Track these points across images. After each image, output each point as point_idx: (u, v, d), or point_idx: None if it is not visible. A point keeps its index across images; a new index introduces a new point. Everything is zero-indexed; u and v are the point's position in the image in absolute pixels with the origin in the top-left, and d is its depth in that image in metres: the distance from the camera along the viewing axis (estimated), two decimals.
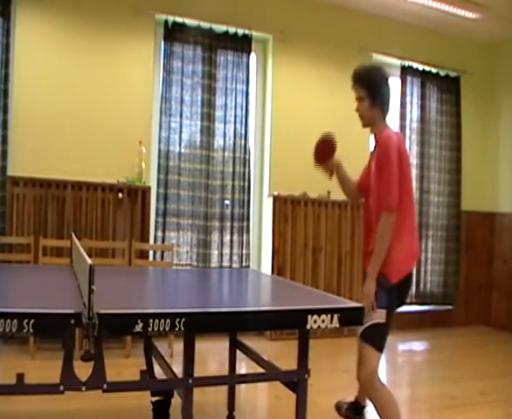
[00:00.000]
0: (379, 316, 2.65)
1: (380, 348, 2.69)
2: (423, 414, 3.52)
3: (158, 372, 2.73)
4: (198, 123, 5.27)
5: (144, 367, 2.87)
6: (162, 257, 5.07)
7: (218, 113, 5.34)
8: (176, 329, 1.85)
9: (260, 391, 3.92)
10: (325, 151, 2.99)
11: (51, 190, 4.64)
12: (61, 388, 1.85)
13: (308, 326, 2.07)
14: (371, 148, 2.99)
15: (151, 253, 5.10)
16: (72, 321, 1.78)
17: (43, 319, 1.76)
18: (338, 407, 3.22)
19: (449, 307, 6.44)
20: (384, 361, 4.87)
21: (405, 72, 6.16)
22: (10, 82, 4.62)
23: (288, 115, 5.65)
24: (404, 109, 6.15)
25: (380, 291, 2.66)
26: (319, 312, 2.09)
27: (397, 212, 2.64)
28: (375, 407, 2.73)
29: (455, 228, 6.44)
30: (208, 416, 3.27)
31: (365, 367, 2.69)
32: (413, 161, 6.18)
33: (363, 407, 3.21)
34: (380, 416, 2.71)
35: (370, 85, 2.76)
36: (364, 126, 2.89)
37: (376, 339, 2.66)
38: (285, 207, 5.45)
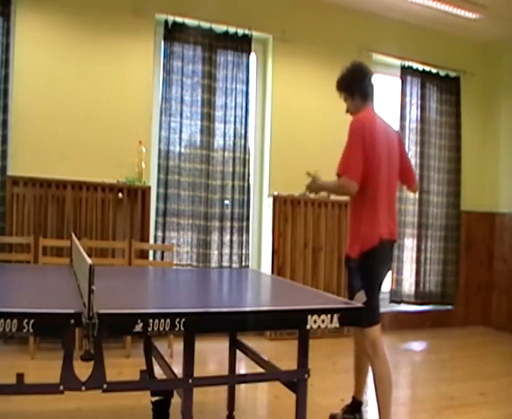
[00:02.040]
0: (359, 298, 2.83)
1: (375, 321, 2.92)
2: (422, 414, 3.52)
3: (158, 372, 2.73)
4: (198, 123, 5.27)
5: (144, 367, 2.87)
6: (162, 257, 5.07)
7: (218, 113, 5.35)
8: (176, 329, 1.85)
9: (260, 391, 3.92)
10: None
11: (51, 190, 4.64)
12: (61, 387, 1.85)
13: (308, 326, 2.07)
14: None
15: (151, 253, 5.10)
16: (72, 321, 1.78)
17: (43, 319, 1.76)
18: (333, 417, 3.26)
19: (449, 307, 6.44)
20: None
21: (405, 72, 6.16)
22: (9, 82, 4.62)
23: (288, 115, 5.65)
24: (403, 109, 6.15)
25: (352, 275, 2.97)
26: (319, 312, 2.09)
27: (354, 187, 2.90)
28: (372, 372, 2.92)
29: (455, 228, 6.45)
30: (208, 416, 3.27)
31: (369, 337, 2.91)
32: (413, 161, 6.18)
33: (361, 403, 3.25)
34: (374, 381, 2.91)
35: (347, 87, 3.18)
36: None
37: (368, 318, 2.83)
38: (285, 207, 5.46)
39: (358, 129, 2.96)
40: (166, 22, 5.14)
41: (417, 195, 6.19)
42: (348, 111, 3.22)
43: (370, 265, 2.95)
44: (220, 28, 5.34)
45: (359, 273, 2.93)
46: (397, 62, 6.14)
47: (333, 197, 5.54)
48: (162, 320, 1.82)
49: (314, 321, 2.07)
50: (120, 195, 4.82)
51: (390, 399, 2.89)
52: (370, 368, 3.12)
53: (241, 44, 5.42)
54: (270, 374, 2.62)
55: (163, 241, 5.11)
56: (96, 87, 4.93)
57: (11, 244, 4.52)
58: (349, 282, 3.04)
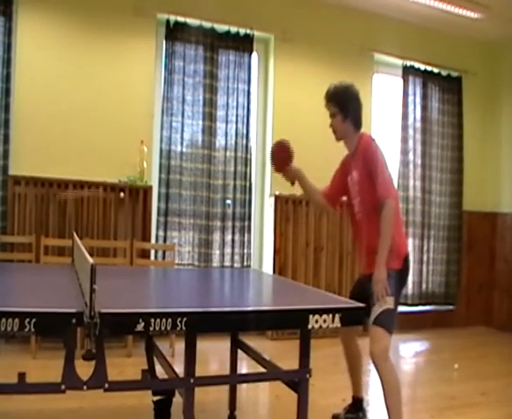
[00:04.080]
0: (389, 302, 2.82)
1: (391, 331, 2.86)
2: (423, 414, 3.52)
3: (159, 371, 2.74)
4: (200, 122, 5.27)
5: (145, 367, 2.87)
6: (163, 257, 5.08)
7: (220, 113, 5.35)
8: (178, 329, 1.85)
9: (262, 391, 3.92)
10: (282, 158, 3.29)
11: (52, 189, 4.64)
12: (63, 387, 1.85)
13: (310, 326, 2.07)
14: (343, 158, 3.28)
15: (153, 253, 5.10)
16: (74, 320, 1.78)
17: (44, 319, 1.77)
18: (335, 418, 3.27)
19: (450, 307, 6.43)
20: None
21: (407, 71, 6.15)
22: (11, 81, 4.62)
23: (290, 115, 5.64)
24: (405, 109, 6.14)
25: (388, 280, 2.83)
26: (320, 311, 2.09)
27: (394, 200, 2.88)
28: (381, 381, 2.85)
29: (457, 228, 6.44)
30: (209, 416, 3.27)
31: (379, 344, 2.84)
32: (415, 160, 6.18)
33: (362, 400, 3.27)
34: (383, 391, 2.84)
35: (341, 102, 3.06)
36: (338, 139, 3.16)
37: (387, 322, 2.84)
38: (286, 206, 5.45)
39: (377, 149, 2.94)
40: (168, 21, 5.14)
41: (419, 195, 6.18)
42: (332, 128, 3.13)
43: (404, 276, 3.00)
44: (222, 28, 5.34)
45: (395, 282, 2.87)
46: (399, 62, 6.13)
47: None
48: (164, 320, 1.83)
49: (316, 321, 2.07)
50: (121, 194, 4.82)
51: (401, 406, 2.83)
52: (362, 365, 3.23)
53: (243, 44, 5.41)
54: (271, 373, 2.62)
55: (165, 240, 5.11)
56: (98, 87, 4.93)
57: (13, 244, 4.53)
58: (365, 295, 2.88)
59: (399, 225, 3.01)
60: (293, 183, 3.33)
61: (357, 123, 3.09)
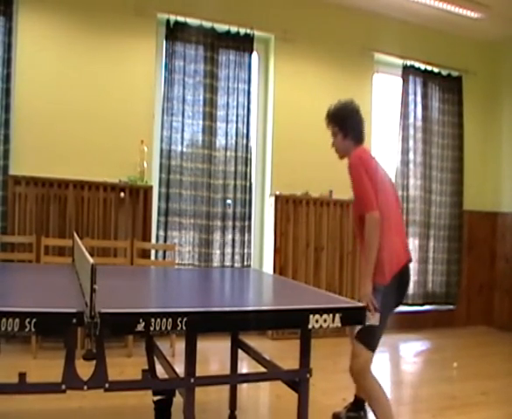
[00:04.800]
0: (373, 318, 2.76)
1: (372, 348, 2.83)
2: (424, 413, 3.52)
3: (160, 371, 2.74)
4: (200, 122, 5.27)
5: (146, 367, 2.86)
6: (164, 257, 5.08)
7: (220, 113, 5.35)
8: (178, 328, 1.85)
9: (262, 390, 3.92)
10: None
11: (53, 189, 4.64)
12: (63, 387, 1.85)
13: (310, 326, 2.07)
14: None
15: (153, 252, 5.10)
16: (74, 320, 1.78)
17: (45, 319, 1.76)
18: (336, 416, 3.26)
19: (451, 307, 6.44)
20: (385, 361, 4.87)
21: (407, 71, 6.15)
22: (12, 81, 4.63)
23: (290, 114, 5.65)
24: (406, 108, 6.14)
25: (374, 294, 2.79)
26: (321, 311, 2.09)
27: (378, 214, 2.81)
28: (365, 396, 2.89)
29: (457, 227, 6.44)
30: (210, 415, 3.27)
31: (357, 360, 2.83)
32: (415, 160, 6.18)
33: (364, 401, 3.26)
34: (370, 405, 2.85)
35: (340, 121, 3.08)
36: (341, 157, 3.16)
37: (368, 339, 2.81)
38: (287, 206, 5.45)
39: (358, 165, 2.91)
40: (168, 21, 5.14)
41: (419, 194, 6.18)
42: (333, 146, 3.14)
43: (397, 292, 2.90)
44: (222, 27, 5.34)
45: (382, 298, 2.81)
46: (399, 61, 6.13)
47: (335, 196, 5.54)
48: (164, 320, 1.82)
49: (316, 321, 2.07)
50: (122, 194, 4.82)
51: (391, 416, 2.78)
52: None
53: (243, 44, 5.41)
54: (272, 373, 2.62)
55: (165, 240, 5.11)
56: (98, 87, 4.93)
57: (13, 244, 4.53)
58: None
59: (392, 236, 2.90)
60: None
61: (359, 139, 3.08)
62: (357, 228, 3.04)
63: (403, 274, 2.92)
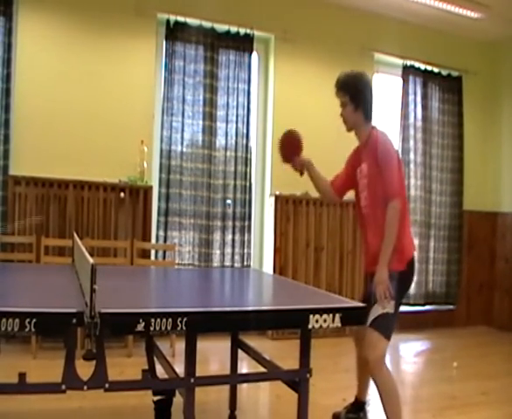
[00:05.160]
0: (389, 306, 2.76)
1: (388, 336, 2.78)
2: (424, 413, 3.52)
3: (160, 371, 2.74)
4: (200, 122, 5.27)
5: (146, 367, 2.86)
6: (164, 257, 5.08)
7: (220, 113, 5.35)
8: (178, 329, 1.85)
9: (262, 390, 3.92)
10: (291, 147, 3.15)
11: (52, 190, 4.64)
12: (63, 387, 1.85)
13: (310, 326, 2.07)
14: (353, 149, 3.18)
15: (153, 253, 5.10)
16: (74, 321, 1.78)
17: (45, 319, 1.76)
18: (336, 416, 3.26)
19: (451, 307, 6.43)
20: (385, 361, 4.87)
21: (407, 71, 6.15)
22: (12, 81, 4.63)
23: (290, 114, 5.63)
24: (406, 108, 6.14)
25: (389, 281, 2.77)
26: (321, 311, 2.09)
27: (400, 203, 2.79)
28: (378, 389, 2.80)
29: (457, 227, 6.44)
30: (210, 415, 3.27)
31: (375, 351, 2.77)
32: (415, 160, 6.18)
33: (364, 403, 3.25)
34: (381, 399, 2.79)
35: (352, 91, 2.92)
36: (349, 130, 3.05)
37: (385, 327, 2.76)
38: (286, 206, 5.45)
39: (391, 144, 2.87)
40: (168, 21, 5.14)
41: (419, 194, 6.18)
42: (342, 117, 3.01)
43: (408, 280, 2.94)
44: (222, 27, 5.34)
45: (397, 285, 2.80)
46: (399, 61, 6.13)
47: None
48: (164, 320, 1.82)
49: (316, 321, 2.07)
50: (122, 194, 4.82)
51: (400, 413, 2.77)
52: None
53: (243, 44, 5.41)
54: (272, 373, 2.62)
55: (165, 240, 5.11)
56: (98, 87, 4.93)
57: (13, 244, 4.52)
58: (368, 295, 2.87)
59: (406, 226, 2.92)
60: (301, 174, 3.23)
61: (369, 114, 2.96)
62: (370, 207, 2.94)
63: (413, 263, 2.95)
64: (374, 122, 3.04)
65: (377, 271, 2.79)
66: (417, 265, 6.15)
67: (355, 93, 2.93)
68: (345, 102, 2.96)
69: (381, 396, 2.79)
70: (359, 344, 3.13)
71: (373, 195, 2.91)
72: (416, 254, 6.06)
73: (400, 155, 6.05)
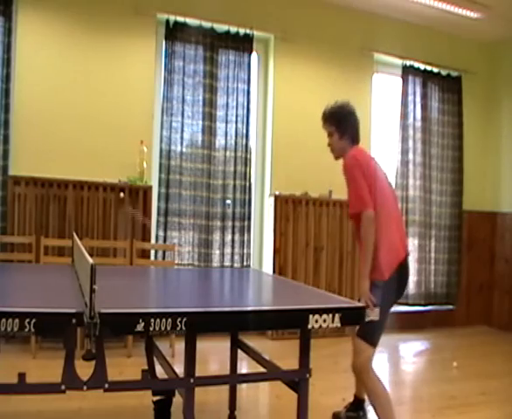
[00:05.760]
0: (373, 314, 2.80)
1: (373, 344, 2.86)
2: (423, 413, 3.52)
3: (159, 371, 2.74)
4: (200, 122, 5.27)
5: (145, 367, 2.87)
6: (163, 257, 5.07)
7: (220, 113, 5.34)
8: (178, 329, 1.85)
9: (262, 391, 3.92)
10: None
11: (52, 190, 4.64)
12: (63, 387, 1.85)
13: (310, 326, 2.07)
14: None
15: (153, 253, 5.10)
16: (74, 321, 1.78)
17: (44, 319, 1.76)
18: (336, 416, 3.27)
19: (451, 307, 6.43)
20: (385, 361, 4.87)
21: (407, 71, 6.15)
22: (11, 82, 4.63)
23: (290, 115, 5.64)
24: (405, 108, 6.14)
25: (373, 290, 2.84)
26: (320, 311, 2.09)
27: (374, 213, 2.87)
28: (367, 393, 2.88)
29: (457, 227, 6.44)
30: (209, 416, 3.27)
31: (360, 357, 2.86)
32: (415, 160, 6.18)
33: (363, 401, 3.27)
34: (371, 402, 2.86)
35: (337, 120, 3.12)
36: (336, 158, 3.20)
37: (369, 335, 2.84)
38: (286, 206, 5.45)
39: (354, 166, 2.96)
40: (167, 21, 5.14)
41: (419, 194, 6.18)
42: (329, 146, 3.17)
43: (397, 287, 2.96)
44: (222, 27, 5.34)
45: (381, 293, 2.85)
46: (399, 61, 6.13)
47: (334, 196, 5.53)
48: (164, 320, 1.82)
49: (316, 321, 2.07)
50: (121, 194, 4.82)
51: (392, 414, 2.79)
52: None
53: (243, 44, 5.41)
54: (271, 373, 2.62)
55: (165, 240, 5.11)
56: (98, 87, 4.93)
57: (13, 244, 4.52)
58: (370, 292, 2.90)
59: (390, 233, 2.94)
60: None
61: (354, 139, 3.12)
62: (355, 228, 3.10)
63: (402, 269, 2.97)
64: (370, 131, 3.11)
65: (358, 282, 2.86)
66: (416, 265, 6.17)
67: (340, 122, 3.11)
68: (332, 132, 3.14)
69: (370, 400, 2.86)
70: None
71: (351, 214, 3.07)
72: (415, 255, 6.13)
73: (400, 156, 6.07)
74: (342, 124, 3.11)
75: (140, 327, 1.80)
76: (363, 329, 2.83)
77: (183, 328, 1.86)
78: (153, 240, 5.07)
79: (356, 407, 3.29)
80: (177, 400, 2.36)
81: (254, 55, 5.60)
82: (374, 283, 2.84)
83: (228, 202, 5.36)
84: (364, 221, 2.86)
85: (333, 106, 3.18)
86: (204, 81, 5.28)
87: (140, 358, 3.46)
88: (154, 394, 2.85)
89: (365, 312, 2.67)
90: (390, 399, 2.83)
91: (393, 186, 3.19)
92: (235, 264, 5.37)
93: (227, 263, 5.35)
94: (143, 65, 5.11)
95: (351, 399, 3.32)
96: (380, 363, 4.66)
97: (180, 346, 3.15)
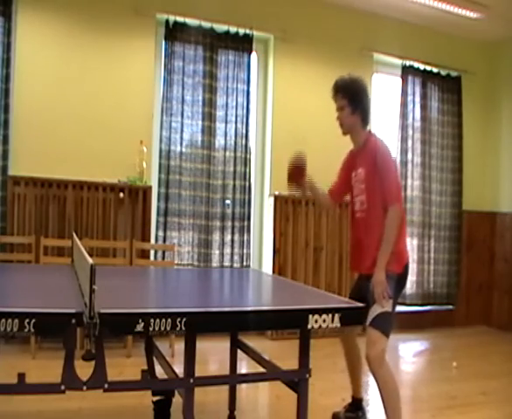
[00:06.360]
0: (387, 305, 2.81)
1: (388, 334, 2.84)
2: (423, 413, 3.52)
3: (159, 371, 2.74)
4: (199, 122, 5.27)
5: (145, 367, 2.87)
6: (163, 257, 5.07)
7: (219, 113, 5.34)
8: (178, 329, 1.85)
9: (261, 391, 3.92)
10: (297, 173, 3.18)
11: (52, 190, 4.64)
12: (62, 387, 1.85)
13: (309, 326, 2.07)
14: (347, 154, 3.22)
15: (152, 253, 5.10)
16: (74, 321, 1.78)
17: (44, 319, 1.76)
18: (335, 416, 3.27)
19: (450, 307, 6.44)
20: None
21: (406, 71, 6.16)
22: (11, 82, 4.62)
23: (289, 115, 5.64)
24: (405, 108, 6.14)
25: (388, 282, 2.83)
26: (320, 311, 2.09)
27: (402, 208, 2.90)
28: (378, 386, 2.82)
29: (456, 228, 6.44)
30: (209, 416, 3.27)
31: (375, 348, 2.80)
32: (414, 160, 6.18)
33: (361, 400, 3.28)
34: (381, 395, 2.81)
35: (351, 93, 2.97)
36: (344, 133, 3.08)
37: (384, 325, 2.82)
38: (286, 206, 5.45)
39: (390, 155, 2.93)
40: (167, 21, 5.14)
41: (418, 194, 6.18)
42: (338, 120, 3.05)
43: (404, 281, 3.01)
44: (221, 28, 5.34)
45: (395, 285, 2.87)
46: (399, 61, 6.13)
47: None
48: (164, 320, 1.82)
49: (316, 321, 2.07)
50: (121, 194, 4.82)
51: (400, 410, 2.80)
52: (362, 365, 3.15)
53: (242, 44, 5.41)
54: (271, 373, 2.62)
55: (164, 241, 5.11)
56: (97, 87, 4.93)
57: (13, 244, 4.52)
58: (363, 294, 2.88)
59: (403, 232, 3.01)
60: (304, 193, 3.30)
61: (366, 118, 3.01)
62: (367, 211, 2.98)
63: (408, 266, 3.03)
64: (371, 127, 3.08)
65: (375, 272, 2.83)
66: (416, 265, 6.18)
67: (353, 96, 2.97)
68: (343, 105, 2.99)
69: (381, 393, 2.81)
70: (347, 344, 3.22)
71: (371, 200, 2.96)
72: (414, 255, 6.13)
73: (399, 156, 6.08)
74: (355, 98, 2.96)
75: (139, 327, 1.80)
76: (378, 320, 2.80)
77: (183, 328, 1.86)
78: (153, 240, 5.07)
79: (355, 407, 3.29)
80: (177, 400, 2.36)
81: (254, 55, 5.60)
82: (388, 275, 2.83)
83: (228, 202, 5.36)
84: (394, 214, 2.82)
85: (346, 77, 3.02)
86: (203, 81, 5.28)
87: (139, 358, 3.46)
88: (153, 394, 2.85)
89: (380, 302, 2.78)
90: (399, 395, 2.82)
91: None
92: (235, 265, 5.37)
93: (227, 263, 5.35)
94: (143, 66, 5.11)
95: (350, 399, 3.32)
96: None
97: (180, 346, 3.14)
